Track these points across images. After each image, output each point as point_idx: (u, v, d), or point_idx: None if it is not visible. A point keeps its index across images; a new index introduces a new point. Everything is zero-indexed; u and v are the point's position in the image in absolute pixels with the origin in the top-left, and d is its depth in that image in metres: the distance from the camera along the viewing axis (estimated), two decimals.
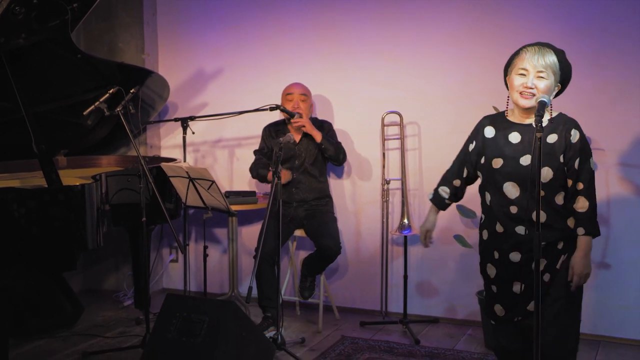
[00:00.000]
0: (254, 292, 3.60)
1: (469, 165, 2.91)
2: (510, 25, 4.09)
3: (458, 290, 4.35)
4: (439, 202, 3.03)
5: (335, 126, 4.45)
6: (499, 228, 2.76)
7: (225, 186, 4.88)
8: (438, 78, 4.32)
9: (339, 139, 4.38)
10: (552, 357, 2.67)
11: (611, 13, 3.91)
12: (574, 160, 2.66)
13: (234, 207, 3.98)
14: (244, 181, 4.83)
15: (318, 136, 4.21)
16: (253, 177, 4.49)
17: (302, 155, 4.30)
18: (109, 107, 3.72)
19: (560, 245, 2.71)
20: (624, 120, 3.92)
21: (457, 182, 2.97)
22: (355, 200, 4.59)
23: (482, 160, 2.81)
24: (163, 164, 3.90)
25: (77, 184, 3.37)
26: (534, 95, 2.62)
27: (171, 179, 3.84)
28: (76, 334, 4.12)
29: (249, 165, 4.51)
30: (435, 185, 3.06)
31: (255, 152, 4.51)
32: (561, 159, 2.66)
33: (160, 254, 5.11)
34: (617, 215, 3.92)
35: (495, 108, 3.59)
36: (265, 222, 3.49)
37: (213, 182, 3.62)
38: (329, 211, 4.37)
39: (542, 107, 2.45)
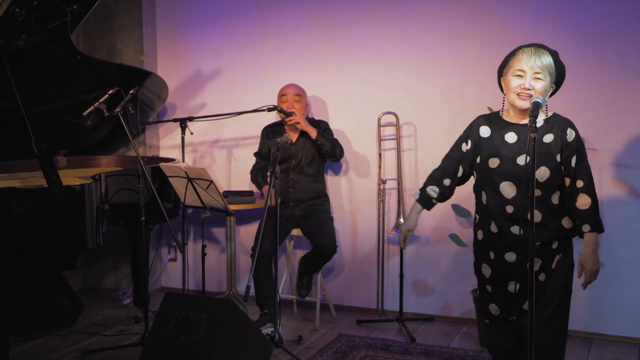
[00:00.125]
0: (252, 291, 3.65)
1: (465, 164, 2.88)
2: (505, 26, 4.12)
3: (453, 289, 4.38)
4: (425, 202, 2.96)
5: (332, 126, 4.47)
6: (493, 228, 2.77)
7: (223, 186, 4.91)
8: (434, 79, 4.34)
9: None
10: (547, 356, 2.69)
11: (605, 14, 3.93)
12: (571, 158, 2.67)
13: (232, 207, 4.01)
14: (241, 181, 4.85)
15: (313, 132, 4.23)
16: (252, 181, 4.53)
17: (299, 155, 4.33)
18: (109, 107, 3.73)
19: (554, 245, 2.72)
20: (617, 120, 3.95)
21: (447, 182, 2.93)
22: (351, 199, 4.62)
23: (478, 160, 2.81)
24: (162, 164, 3.91)
25: (77, 183, 3.37)
26: (531, 96, 2.61)
27: (170, 179, 3.85)
28: (76, 332, 4.14)
29: (247, 166, 4.54)
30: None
31: (255, 154, 4.55)
32: (558, 158, 2.67)
33: (159, 253, 5.14)
34: (611, 215, 3.94)
35: (489, 109, 3.60)
36: (263, 221, 3.52)
37: (211, 182, 3.64)
38: (326, 211, 4.39)
39: (536, 107, 2.45)
